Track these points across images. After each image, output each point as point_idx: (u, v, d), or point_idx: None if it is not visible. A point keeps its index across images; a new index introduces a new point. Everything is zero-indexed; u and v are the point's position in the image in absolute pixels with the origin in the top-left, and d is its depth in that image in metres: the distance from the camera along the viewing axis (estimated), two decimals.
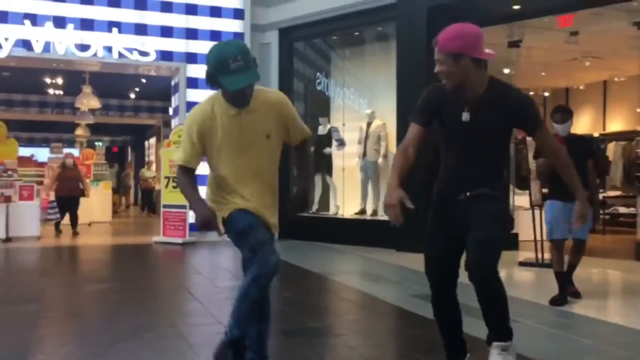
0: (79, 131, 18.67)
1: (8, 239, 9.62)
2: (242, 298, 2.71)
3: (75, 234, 10.86)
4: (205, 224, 2.71)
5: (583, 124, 14.46)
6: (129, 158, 26.25)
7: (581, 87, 14.14)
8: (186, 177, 2.82)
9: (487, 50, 2.82)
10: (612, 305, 5.35)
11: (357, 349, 3.89)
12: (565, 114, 5.21)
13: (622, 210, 11.39)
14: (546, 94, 14.94)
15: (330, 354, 3.80)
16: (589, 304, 5.13)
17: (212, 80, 2.65)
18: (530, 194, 7.49)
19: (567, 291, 5.11)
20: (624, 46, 10.00)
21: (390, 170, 2.93)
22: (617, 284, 6.74)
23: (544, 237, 7.58)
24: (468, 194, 2.83)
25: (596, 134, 13.81)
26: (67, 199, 11.16)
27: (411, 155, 2.87)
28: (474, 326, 3.27)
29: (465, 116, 2.78)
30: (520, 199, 9.15)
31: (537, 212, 7.38)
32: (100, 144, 19.35)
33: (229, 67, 2.55)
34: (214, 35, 10.14)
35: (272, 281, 2.79)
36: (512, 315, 4.44)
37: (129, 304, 5.20)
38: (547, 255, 7.45)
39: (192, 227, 9.65)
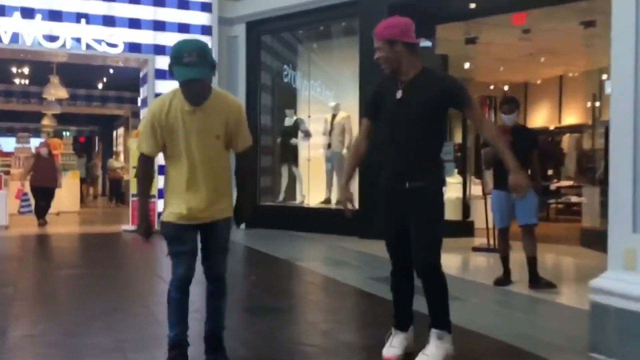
0: (45, 121, 18.56)
1: None
2: (168, 302, 3.09)
3: (42, 224, 10.85)
4: (143, 235, 3.07)
5: (540, 117, 15.07)
6: (97, 148, 26.10)
7: (538, 82, 14.71)
8: (144, 169, 3.09)
9: (419, 39, 3.22)
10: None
11: (316, 324, 4.25)
12: (512, 105, 5.43)
13: (574, 199, 11.97)
14: (506, 87, 15.50)
15: (290, 329, 4.14)
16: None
17: (170, 70, 2.91)
18: (482, 183, 7.94)
19: (510, 273, 5.51)
20: (576, 43, 10.52)
21: (345, 167, 3.33)
22: (560, 267, 7.23)
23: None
24: (407, 185, 3.15)
25: (552, 127, 14.45)
26: (42, 190, 10.93)
27: (363, 149, 3.38)
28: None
29: (399, 94, 3.16)
30: (477, 188, 9.63)
31: (489, 200, 7.84)
32: (67, 133, 19.26)
33: (182, 59, 2.81)
34: (182, 27, 10.31)
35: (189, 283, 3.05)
36: (460, 294, 4.90)
37: (101, 288, 5.44)
38: None
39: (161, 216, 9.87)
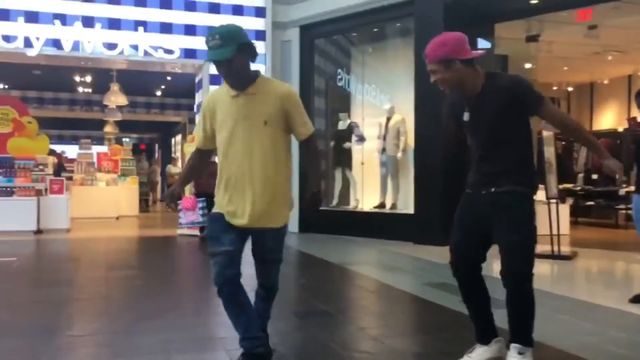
0: (107, 128, 19.19)
1: (39, 231, 10.01)
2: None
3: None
4: (167, 198, 3.25)
5: (608, 118, 14.42)
6: (156, 155, 26.80)
7: (605, 82, 14.07)
8: (193, 158, 3.22)
9: (474, 51, 2.92)
10: (619, 293, 5.38)
11: (366, 330, 4.07)
12: None
13: None
14: (570, 88, 14.91)
15: (339, 334, 3.97)
16: (604, 293, 5.22)
17: None
18: (546, 188, 7.56)
19: None
20: None
21: None
22: (632, 276, 6.79)
23: (560, 231, 7.67)
24: (493, 189, 2.92)
25: (620, 129, 13.75)
26: (209, 196, 10.15)
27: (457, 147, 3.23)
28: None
29: (466, 116, 2.97)
30: (539, 193, 9.20)
31: (553, 206, 7.46)
32: (127, 140, 19.84)
33: (208, 43, 2.83)
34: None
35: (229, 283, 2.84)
36: None
37: (153, 289, 5.46)
38: (563, 249, 7.54)
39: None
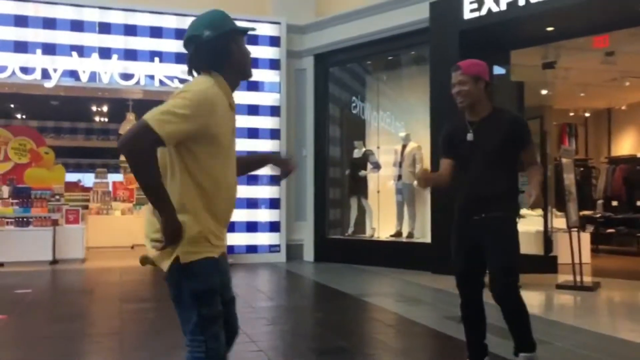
0: (123, 157, 19.29)
1: (54, 261, 9.98)
2: None
3: None
4: (175, 237, 2.11)
5: (626, 144, 14.21)
6: None
7: (623, 108, 13.91)
8: (154, 156, 2.09)
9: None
10: None
11: None
12: None
13: None
14: (587, 114, 14.75)
15: None
16: (629, 327, 5.04)
17: (222, 44, 2.24)
18: (566, 216, 7.40)
19: None
20: None
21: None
22: None
23: (582, 260, 7.49)
24: (483, 215, 3.26)
25: (639, 155, 13.54)
26: None
27: (445, 176, 3.47)
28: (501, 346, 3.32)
29: (470, 136, 3.31)
30: (559, 221, 9.03)
31: (574, 234, 7.29)
32: None
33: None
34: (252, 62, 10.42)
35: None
36: (544, 336, 4.45)
37: (166, 324, 5.35)
38: (585, 278, 7.34)
39: (228, 250, 9.85)
